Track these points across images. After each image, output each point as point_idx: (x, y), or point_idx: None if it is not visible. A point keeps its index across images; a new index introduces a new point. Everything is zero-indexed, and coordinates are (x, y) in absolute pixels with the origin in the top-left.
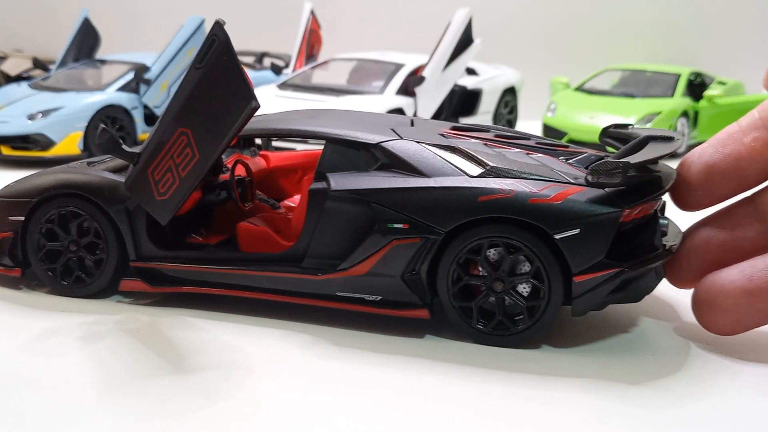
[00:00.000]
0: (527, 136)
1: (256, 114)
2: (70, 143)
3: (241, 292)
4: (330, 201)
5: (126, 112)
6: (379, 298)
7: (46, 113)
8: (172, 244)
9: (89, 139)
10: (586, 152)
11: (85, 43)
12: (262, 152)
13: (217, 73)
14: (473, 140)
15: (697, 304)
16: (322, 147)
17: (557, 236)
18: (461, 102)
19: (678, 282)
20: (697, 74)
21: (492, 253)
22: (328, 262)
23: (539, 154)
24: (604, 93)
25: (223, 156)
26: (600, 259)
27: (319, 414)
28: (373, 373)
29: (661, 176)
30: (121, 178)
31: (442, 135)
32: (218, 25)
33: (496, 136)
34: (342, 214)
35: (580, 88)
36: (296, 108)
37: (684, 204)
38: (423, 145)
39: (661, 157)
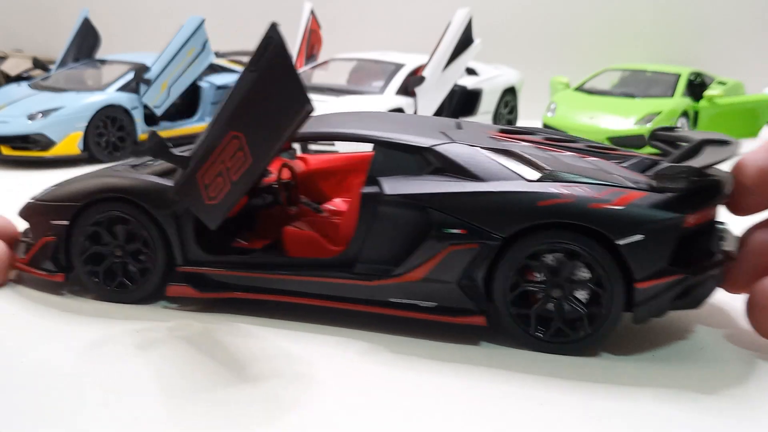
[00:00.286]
0: (575, 139)
1: None
2: (70, 143)
3: (291, 298)
4: (383, 205)
5: (126, 112)
6: (435, 304)
7: (46, 113)
8: (219, 249)
9: (89, 139)
10: (637, 156)
11: (85, 43)
12: (300, 155)
13: (271, 76)
14: (524, 143)
15: (751, 309)
16: (359, 150)
17: (620, 242)
18: (461, 102)
19: (732, 287)
20: (697, 74)
21: (550, 258)
22: (381, 268)
23: (592, 158)
24: (604, 93)
25: None
26: (663, 265)
27: (387, 419)
28: (432, 381)
29: (721, 181)
30: (167, 182)
31: (493, 138)
32: (273, 28)
33: (545, 138)
34: (396, 218)
35: (580, 88)
36: None
37: (737, 209)
38: (476, 148)
39: (721, 161)
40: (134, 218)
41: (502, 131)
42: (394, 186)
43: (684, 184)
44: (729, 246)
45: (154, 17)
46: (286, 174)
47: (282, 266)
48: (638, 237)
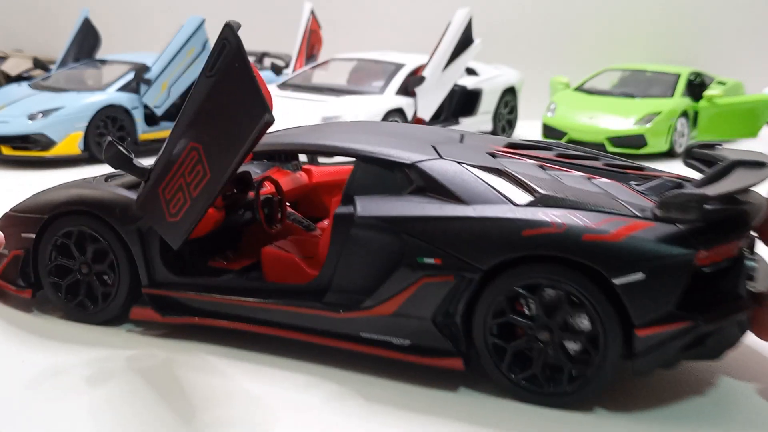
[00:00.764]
0: (595, 156)
1: (292, 127)
2: (70, 143)
3: (258, 328)
4: (355, 228)
5: (126, 112)
6: (408, 342)
7: (46, 113)
8: (190, 270)
9: (90, 139)
10: (661, 177)
11: (86, 43)
12: (305, 167)
13: (228, 82)
14: (528, 161)
15: None
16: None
17: (616, 281)
18: (461, 102)
19: (764, 333)
20: (697, 74)
21: (545, 294)
22: (352, 298)
23: (604, 179)
24: (604, 93)
25: (258, 171)
26: (668, 309)
27: None
28: None
29: (747, 210)
30: (133, 195)
31: (491, 154)
32: (229, 28)
33: (559, 155)
34: (368, 243)
35: (580, 88)
36: (296, 108)
37: None
38: (465, 166)
39: (748, 188)
40: (99, 233)
41: (510, 145)
42: (368, 206)
43: (694, 214)
44: (760, 286)
45: (154, 17)
46: (270, 188)
47: (249, 291)
48: (638, 276)
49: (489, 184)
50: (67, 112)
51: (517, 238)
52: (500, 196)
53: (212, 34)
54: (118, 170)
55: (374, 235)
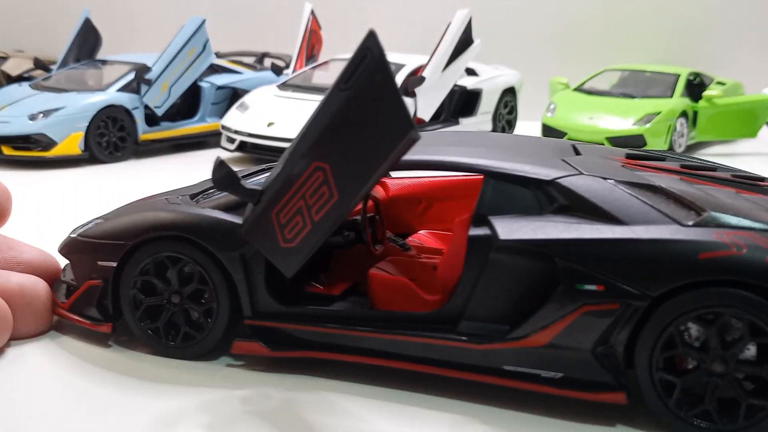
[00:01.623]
0: (713, 166)
1: None
2: (71, 143)
3: (380, 360)
4: (497, 252)
5: (127, 112)
6: (560, 375)
7: (47, 113)
8: (292, 298)
9: (90, 139)
10: None
11: (86, 43)
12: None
13: (367, 96)
14: (665, 174)
15: None
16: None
17: None
18: (461, 102)
19: None
20: (696, 74)
21: (719, 323)
22: (493, 328)
23: (754, 195)
24: (604, 93)
25: None
26: None
27: None
28: None
29: None
30: (234, 218)
31: (626, 167)
32: (373, 37)
33: (682, 166)
34: (513, 269)
35: (579, 89)
36: (296, 108)
37: None
38: (610, 182)
39: None
40: (195, 261)
41: (629, 157)
42: (510, 228)
43: None
44: None
45: (154, 17)
46: (370, 207)
47: (367, 320)
48: None
49: (646, 202)
50: (67, 112)
51: (694, 262)
52: (663, 215)
53: (212, 35)
54: (202, 187)
55: (521, 260)
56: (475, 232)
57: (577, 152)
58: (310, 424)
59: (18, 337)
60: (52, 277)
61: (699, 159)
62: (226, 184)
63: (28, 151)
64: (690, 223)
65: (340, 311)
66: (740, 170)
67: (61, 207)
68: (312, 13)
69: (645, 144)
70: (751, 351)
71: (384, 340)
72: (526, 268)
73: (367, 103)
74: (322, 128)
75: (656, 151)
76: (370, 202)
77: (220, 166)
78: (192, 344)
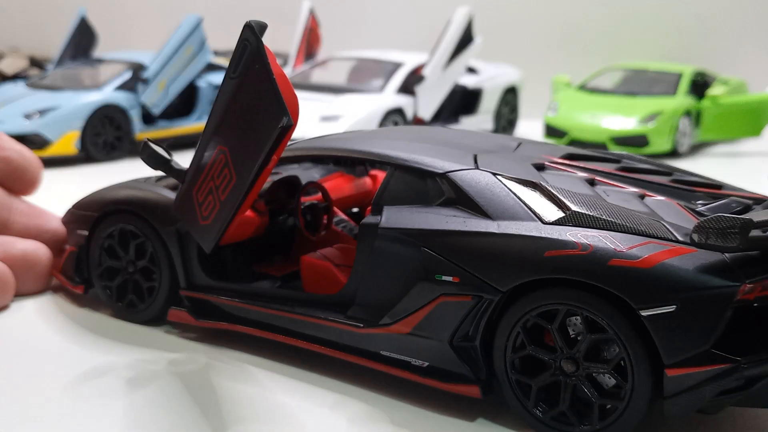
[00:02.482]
0: (668, 172)
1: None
2: (66, 142)
3: (285, 338)
4: (379, 240)
5: (123, 111)
6: (426, 364)
7: (42, 112)
8: (230, 274)
9: (86, 139)
10: (734, 197)
11: (82, 42)
12: (372, 172)
13: (249, 84)
14: (580, 174)
15: None
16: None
17: (644, 313)
18: (462, 101)
19: None
20: (700, 73)
21: (573, 322)
22: (374, 313)
23: (659, 198)
24: (606, 92)
25: (317, 176)
26: (704, 348)
27: None
28: None
29: None
30: (174, 196)
31: (539, 166)
32: (249, 28)
33: (623, 168)
34: (390, 256)
35: (581, 87)
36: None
37: None
38: (500, 177)
39: None
40: (143, 234)
41: (569, 157)
42: (393, 217)
43: (734, 241)
44: None
45: (151, 16)
46: (319, 197)
47: (282, 300)
48: (668, 308)
49: (519, 199)
50: (63, 111)
51: (539, 259)
52: (528, 211)
53: (210, 34)
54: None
55: (396, 248)
56: (367, 219)
57: (515, 150)
58: (220, 387)
59: (20, 294)
60: (59, 244)
61: (660, 164)
62: (154, 163)
63: None
64: (551, 220)
65: (259, 290)
66: (697, 176)
67: (56, 206)
68: (311, 11)
69: (648, 143)
70: (613, 355)
71: (287, 318)
72: (401, 257)
73: (250, 90)
74: (221, 113)
75: (613, 153)
76: (318, 193)
77: (144, 146)
78: (140, 309)
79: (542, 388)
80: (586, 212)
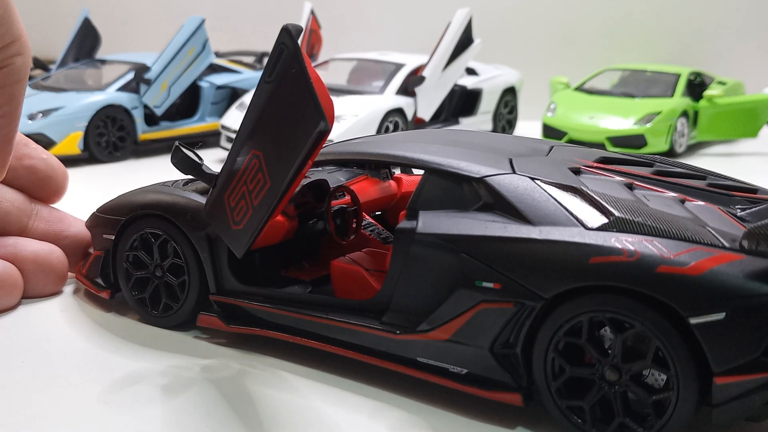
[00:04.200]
0: (702, 175)
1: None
2: (70, 143)
3: (318, 344)
4: (416, 245)
5: (126, 111)
6: (465, 371)
7: (46, 113)
8: (260, 279)
9: (89, 139)
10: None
11: (86, 42)
12: (397, 175)
13: (286, 89)
14: (617, 178)
15: None
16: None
17: (693, 321)
18: (461, 102)
19: None
20: (697, 74)
21: (607, 333)
22: (411, 319)
23: (700, 202)
24: (604, 93)
25: (342, 179)
26: (754, 356)
27: None
28: None
29: None
30: (203, 201)
31: (575, 170)
32: (286, 32)
33: (658, 172)
34: (428, 262)
35: (580, 88)
36: None
37: None
38: (538, 182)
39: None
40: (171, 238)
41: (603, 160)
42: (429, 222)
43: None
44: None
45: (154, 17)
46: (347, 200)
47: (314, 305)
48: (719, 316)
49: (560, 204)
50: (66, 112)
51: (584, 266)
52: (571, 217)
53: (212, 34)
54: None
55: (434, 254)
56: (402, 224)
57: (548, 153)
58: (256, 393)
59: (30, 296)
60: (84, 247)
61: (692, 167)
62: (185, 168)
63: None
64: (594, 226)
65: (290, 295)
66: (731, 179)
67: (60, 207)
68: (312, 12)
69: (646, 144)
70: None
71: (320, 324)
72: (439, 262)
73: (286, 95)
74: (255, 117)
75: (645, 156)
76: (347, 196)
77: (176, 151)
78: (169, 314)
79: (593, 404)
80: (630, 218)
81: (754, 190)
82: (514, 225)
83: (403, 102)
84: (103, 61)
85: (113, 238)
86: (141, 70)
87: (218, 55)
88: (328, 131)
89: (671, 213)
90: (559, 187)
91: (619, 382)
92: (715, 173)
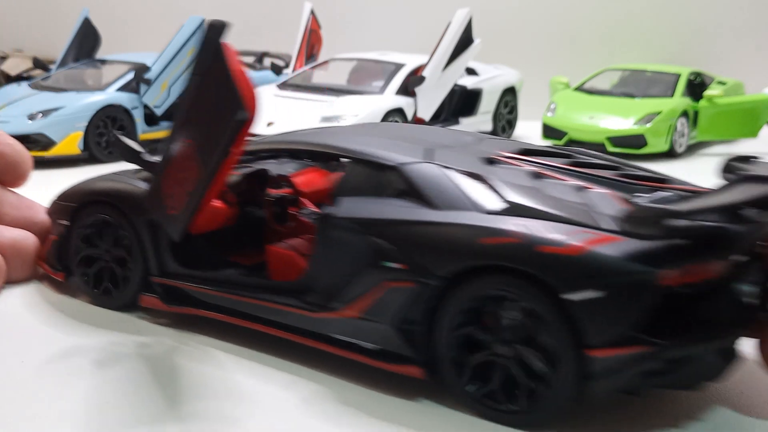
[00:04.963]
0: (617, 166)
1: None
2: (70, 143)
3: (248, 323)
4: (332, 229)
5: (126, 111)
6: (375, 347)
7: (46, 113)
8: (202, 263)
9: (89, 139)
10: (676, 190)
11: (86, 43)
12: None
13: (211, 80)
14: (527, 167)
15: None
16: None
17: (568, 297)
18: (461, 102)
19: None
20: (697, 74)
21: (508, 311)
22: (327, 298)
23: (600, 190)
24: (604, 93)
25: (290, 170)
26: (626, 331)
27: None
28: None
29: (732, 230)
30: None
31: (489, 160)
32: (211, 27)
33: (574, 163)
34: (342, 244)
35: (579, 88)
36: (296, 108)
37: None
38: (449, 170)
39: (728, 205)
40: (118, 224)
41: (524, 152)
42: (346, 207)
43: (655, 229)
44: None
45: (154, 17)
46: (288, 190)
47: (246, 287)
48: (593, 293)
49: (463, 190)
50: (66, 112)
51: (474, 246)
52: (470, 202)
53: None
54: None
55: (347, 236)
56: (322, 210)
57: (471, 145)
58: (182, 367)
59: (9, 281)
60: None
61: (612, 159)
62: (126, 156)
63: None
64: (492, 210)
65: (224, 276)
66: (645, 170)
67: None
68: (312, 12)
69: (646, 144)
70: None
71: (250, 304)
72: (352, 245)
73: (211, 87)
74: (186, 108)
75: (568, 149)
76: (283, 182)
77: (116, 141)
78: (114, 295)
79: (477, 366)
80: (524, 203)
81: (665, 180)
82: (420, 210)
83: (403, 102)
84: (103, 61)
85: (67, 223)
86: (141, 70)
87: None
88: (247, 120)
89: (566, 199)
90: (464, 174)
91: (507, 356)
92: (632, 165)
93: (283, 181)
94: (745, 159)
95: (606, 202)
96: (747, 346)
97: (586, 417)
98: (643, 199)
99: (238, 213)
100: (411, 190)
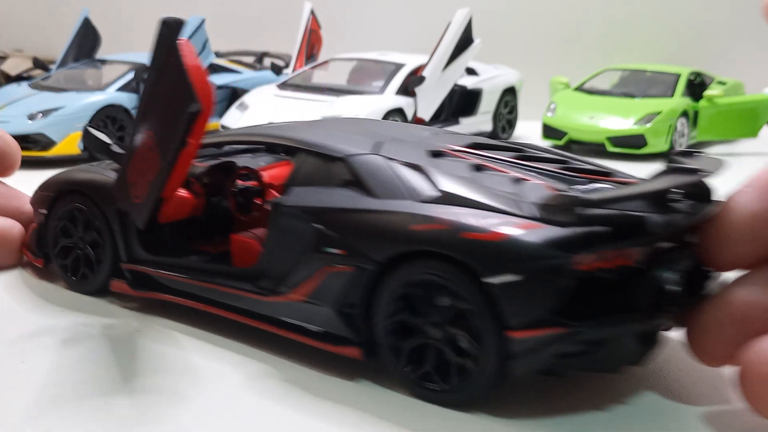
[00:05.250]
0: (563, 160)
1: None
2: (70, 143)
3: (206, 306)
4: (281, 217)
5: (126, 111)
6: (320, 329)
7: (46, 113)
8: (169, 250)
9: None
10: (613, 182)
11: (86, 43)
12: None
13: (168, 75)
14: (471, 160)
15: (750, 381)
16: None
17: (489, 280)
18: (461, 102)
19: (706, 357)
20: (697, 74)
21: (440, 295)
22: (277, 283)
23: (535, 181)
24: (604, 93)
25: (262, 163)
26: (543, 313)
27: None
28: (303, 424)
29: (664, 219)
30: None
31: (436, 153)
32: (165, 25)
33: (520, 157)
34: (290, 231)
35: (579, 88)
36: (296, 108)
37: (720, 263)
38: (392, 162)
39: (640, 195)
40: (90, 212)
41: (473, 146)
42: (295, 197)
43: (568, 217)
44: (686, 300)
45: (154, 17)
46: (254, 182)
47: (208, 273)
48: (512, 277)
49: (402, 180)
50: (67, 112)
51: (405, 233)
52: (408, 191)
53: (212, 34)
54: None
55: (294, 224)
56: (276, 198)
57: (424, 139)
58: (142, 347)
59: None
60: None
61: (558, 153)
62: (95, 148)
63: (27, 151)
64: (424, 198)
65: (188, 263)
66: (591, 164)
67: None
68: (312, 12)
69: (646, 144)
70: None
71: (211, 289)
72: (298, 232)
73: (168, 81)
74: (146, 102)
75: (517, 143)
76: (248, 174)
77: (85, 133)
78: (87, 280)
79: (412, 350)
80: (456, 193)
81: (607, 173)
82: (362, 198)
83: (403, 102)
84: (103, 61)
85: (45, 212)
86: (141, 70)
87: (218, 55)
88: (200, 112)
89: (498, 189)
90: (405, 165)
91: (439, 339)
92: (579, 159)
93: (250, 173)
94: (688, 153)
95: (538, 192)
96: (673, 332)
97: (511, 401)
98: (577, 191)
99: (206, 203)
100: (356, 180)
